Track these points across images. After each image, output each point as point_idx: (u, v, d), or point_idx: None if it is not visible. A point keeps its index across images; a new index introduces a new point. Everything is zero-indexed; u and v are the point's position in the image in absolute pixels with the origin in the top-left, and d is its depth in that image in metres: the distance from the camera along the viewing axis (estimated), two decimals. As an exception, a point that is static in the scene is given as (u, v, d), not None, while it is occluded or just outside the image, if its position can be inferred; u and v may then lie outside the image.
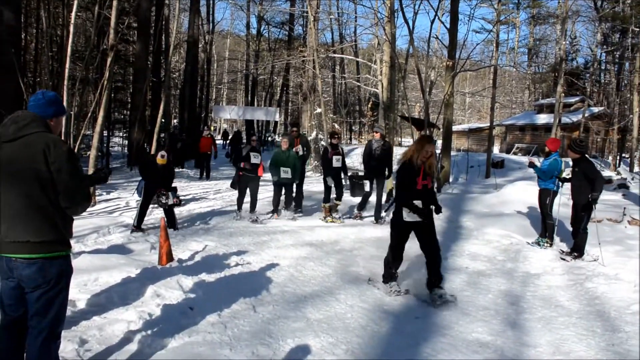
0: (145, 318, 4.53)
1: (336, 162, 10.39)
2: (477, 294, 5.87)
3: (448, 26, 16.09)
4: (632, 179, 19.09)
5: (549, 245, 8.16)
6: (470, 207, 11.20)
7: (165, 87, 17.18)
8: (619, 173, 21.33)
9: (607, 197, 14.80)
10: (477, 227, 9.41)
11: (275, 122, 45.75)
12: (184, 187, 14.82)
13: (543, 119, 34.98)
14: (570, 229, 7.82)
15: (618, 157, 28.72)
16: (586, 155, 7.77)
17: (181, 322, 4.53)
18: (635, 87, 25.57)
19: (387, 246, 5.87)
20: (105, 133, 19.67)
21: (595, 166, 7.70)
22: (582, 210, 7.47)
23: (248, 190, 10.39)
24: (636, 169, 25.35)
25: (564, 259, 7.47)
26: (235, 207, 10.45)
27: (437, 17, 15.32)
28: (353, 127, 47.90)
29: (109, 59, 10.90)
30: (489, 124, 23.90)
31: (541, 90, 45.26)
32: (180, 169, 19.79)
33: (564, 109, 31.24)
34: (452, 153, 26.44)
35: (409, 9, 36.89)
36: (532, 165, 8.50)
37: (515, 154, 32.42)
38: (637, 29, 25.91)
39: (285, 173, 10.15)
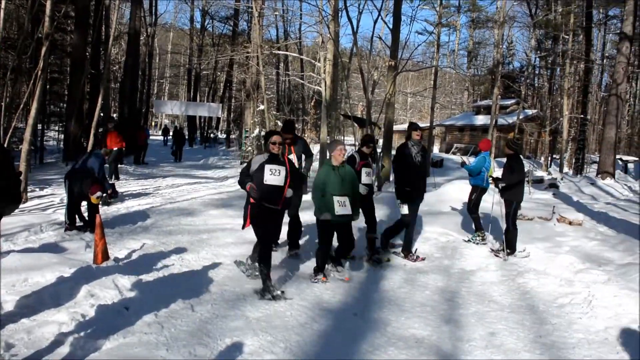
0: (78, 319, 4.39)
1: (366, 176, 7.26)
2: (414, 291, 6.01)
3: (391, 27, 16.35)
4: (562, 179, 20.00)
5: (480, 238, 8.46)
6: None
7: (103, 80, 16.61)
8: (549, 173, 22.31)
9: (539, 195, 15.46)
10: (416, 225, 9.60)
11: (218, 119, 45.24)
12: (122, 184, 14.43)
13: (481, 120, 36.14)
14: (504, 226, 8.11)
15: (549, 158, 30.06)
16: (519, 155, 8.15)
17: (116, 323, 4.41)
18: (565, 91, 26.82)
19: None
20: (40, 126, 18.87)
21: (523, 165, 8.07)
22: (506, 207, 7.90)
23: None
24: (565, 169, 26.60)
25: (497, 256, 7.75)
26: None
27: (380, 17, 15.51)
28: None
29: (44, 48, 10.45)
30: (429, 124, 24.51)
31: (479, 92, 46.71)
32: (120, 165, 19.26)
33: (501, 110, 32.40)
34: (393, 152, 26.92)
35: (354, 8, 37.34)
36: (463, 164, 9.04)
37: (454, 153, 33.39)
38: (567, 37, 27.14)
39: (342, 206, 6.12)
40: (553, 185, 17.54)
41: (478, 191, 8.69)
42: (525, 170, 8.63)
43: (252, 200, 5.65)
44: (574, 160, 26.49)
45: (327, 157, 6.57)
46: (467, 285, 6.35)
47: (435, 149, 39.70)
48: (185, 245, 7.56)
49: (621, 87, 22.40)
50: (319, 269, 6.20)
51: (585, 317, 5.28)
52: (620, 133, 38.79)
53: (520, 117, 29.53)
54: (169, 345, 4.12)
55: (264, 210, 5.64)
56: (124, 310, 4.73)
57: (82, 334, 4.14)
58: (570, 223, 10.31)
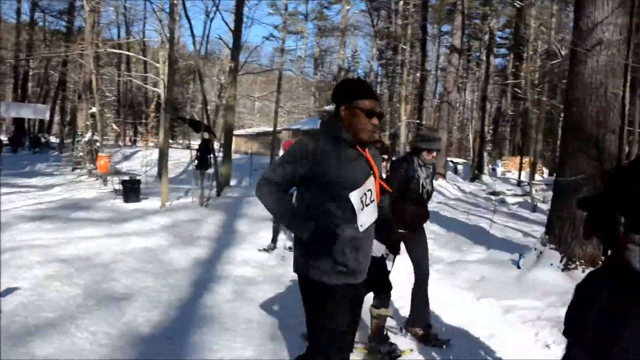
0: None
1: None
2: (242, 305, 5.55)
3: (233, 27, 15.87)
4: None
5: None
6: (248, 211, 11.03)
7: None
8: (389, 176, 23.34)
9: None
10: (252, 232, 9.24)
11: (50, 121, 41.53)
12: None
13: (326, 124, 36.94)
14: None
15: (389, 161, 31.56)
16: None
17: None
18: (402, 98, 28.43)
19: (155, 258, 5.21)
20: None
21: None
22: None
23: None
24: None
25: None
26: None
27: (219, 15, 14.81)
28: (139, 129, 45.54)
29: None
30: (272, 129, 24.48)
31: (325, 98, 47.90)
32: None
33: (344, 115, 33.34)
34: (238, 156, 26.47)
35: (199, 10, 36.35)
36: None
37: None
38: (405, 47, 28.82)
39: None
40: (390, 187, 18.21)
41: None
42: None
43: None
44: (411, 163, 28.04)
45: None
46: (299, 295, 6.02)
47: (281, 153, 39.97)
48: (-23, 267, 6.37)
49: (452, 95, 24.25)
50: None
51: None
52: (451, 137, 42.09)
53: (362, 122, 30.62)
54: None
55: None
56: None
57: None
58: (404, 224, 10.60)
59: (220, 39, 18.97)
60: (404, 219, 4.62)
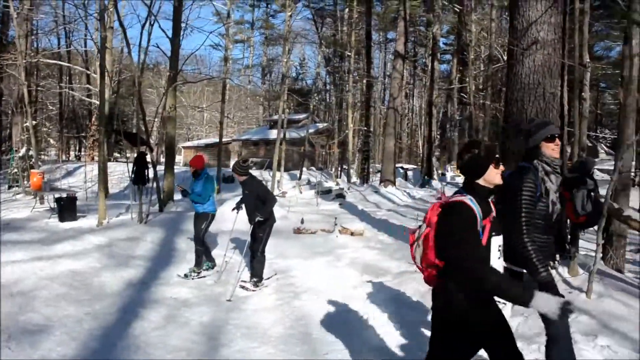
0: None
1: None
2: (173, 330, 5.14)
3: (170, 35, 15.37)
4: (349, 189, 20.75)
5: (196, 274, 7.36)
6: (189, 227, 10.50)
7: None
8: (338, 184, 23.12)
9: (326, 207, 15.65)
10: (191, 249, 8.73)
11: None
12: None
13: (275, 134, 36.52)
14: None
15: (339, 169, 31.50)
16: (252, 175, 7.21)
17: None
18: (349, 105, 28.47)
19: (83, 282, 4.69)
20: None
21: (264, 186, 7.27)
22: (257, 232, 6.93)
23: None
24: (354, 179, 27.95)
25: (244, 288, 6.72)
26: None
27: (156, 22, 14.20)
28: (85, 143, 44.01)
29: None
30: (226, 139, 24.01)
31: (274, 107, 47.68)
32: None
33: (294, 124, 33.18)
34: (185, 168, 25.83)
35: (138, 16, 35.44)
36: (184, 192, 7.59)
37: (250, 167, 33.21)
38: (350, 55, 28.93)
39: None
40: (340, 196, 18.00)
41: (209, 218, 7.66)
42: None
43: None
44: (360, 170, 28.03)
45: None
46: (237, 316, 5.64)
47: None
48: None
49: (397, 101, 24.32)
50: None
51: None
52: (401, 144, 42.42)
53: (311, 130, 30.50)
54: None
55: None
56: None
57: None
58: (352, 234, 10.33)
59: (158, 47, 18.50)
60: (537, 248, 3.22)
